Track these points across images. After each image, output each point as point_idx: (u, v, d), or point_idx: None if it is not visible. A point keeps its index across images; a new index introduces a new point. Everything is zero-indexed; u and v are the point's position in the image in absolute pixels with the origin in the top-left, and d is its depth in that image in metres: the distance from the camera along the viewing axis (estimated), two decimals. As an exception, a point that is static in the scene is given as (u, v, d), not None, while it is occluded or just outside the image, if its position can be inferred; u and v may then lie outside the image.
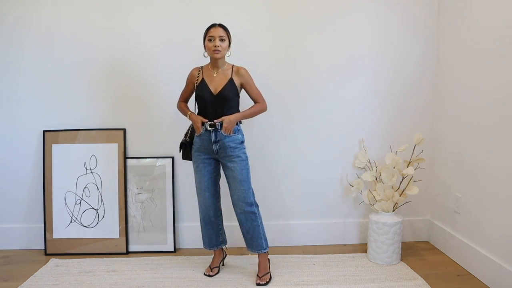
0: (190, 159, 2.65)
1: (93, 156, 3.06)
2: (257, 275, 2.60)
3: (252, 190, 2.57)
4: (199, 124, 2.51)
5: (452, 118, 2.94)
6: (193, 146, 2.61)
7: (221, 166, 2.62)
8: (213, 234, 2.69)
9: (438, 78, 3.11)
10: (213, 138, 2.50)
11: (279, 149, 3.12)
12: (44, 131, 3.05)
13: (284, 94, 3.08)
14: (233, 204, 2.58)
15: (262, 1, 3.02)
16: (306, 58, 3.07)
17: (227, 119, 2.47)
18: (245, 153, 2.56)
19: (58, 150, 3.05)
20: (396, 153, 2.99)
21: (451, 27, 2.93)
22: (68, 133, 3.06)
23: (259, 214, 2.59)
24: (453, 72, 2.92)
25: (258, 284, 2.53)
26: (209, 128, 2.49)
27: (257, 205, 2.59)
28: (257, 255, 2.65)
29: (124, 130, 3.08)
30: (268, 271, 2.61)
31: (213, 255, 2.76)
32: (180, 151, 2.66)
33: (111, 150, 3.06)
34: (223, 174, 2.64)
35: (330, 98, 3.10)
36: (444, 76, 3.04)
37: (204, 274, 2.67)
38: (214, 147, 2.51)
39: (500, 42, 2.42)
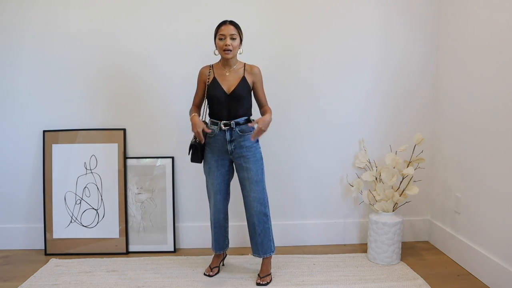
0: (199, 162, 2.56)
1: (93, 156, 3.06)
2: (259, 275, 2.59)
3: (266, 192, 2.55)
4: (199, 130, 2.37)
5: (452, 118, 2.94)
6: (206, 147, 2.53)
7: (234, 167, 2.58)
8: (221, 237, 2.68)
9: (438, 78, 3.11)
10: (228, 137, 2.47)
11: (279, 148, 3.12)
12: (44, 131, 3.04)
13: (284, 93, 3.08)
14: (246, 205, 2.55)
15: (264, 3, 3.02)
16: (307, 58, 3.07)
17: (262, 121, 2.37)
18: (260, 153, 2.53)
19: (58, 150, 3.05)
20: (396, 153, 2.99)
21: (452, 27, 2.93)
22: (68, 133, 3.05)
23: (270, 216, 2.57)
24: (453, 72, 2.92)
25: (258, 284, 2.53)
26: (223, 128, 2.46)
27: (269, 207, 2.57)
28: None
29: (124, 130, 3.08)
30: (270, 272, 2.61)
31: (213, 255, 2.76)
32: (189, 153, 2.56)
33: (111, 150, 3.06)
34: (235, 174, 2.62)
35: (330, 98, 3.10)
36: (444, 76, 3.04)
37: (204, 274, 2.67)
38: (229, 147, 2.48)
39: (500, 43, 2.43)
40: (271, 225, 2.58)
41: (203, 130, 2.41)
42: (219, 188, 2.56)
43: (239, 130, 2.46)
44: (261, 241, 2.56)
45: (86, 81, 3.04)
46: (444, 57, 3.03)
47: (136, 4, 2.99)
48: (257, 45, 3.00)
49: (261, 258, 2.62)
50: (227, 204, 2.66)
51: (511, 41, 2.34)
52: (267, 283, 2.54)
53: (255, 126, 2.42)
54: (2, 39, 2.99)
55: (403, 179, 2.97)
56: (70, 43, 3.00)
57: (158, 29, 3.01)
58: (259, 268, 2.64)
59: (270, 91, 3.00)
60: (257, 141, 2.52)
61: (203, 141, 2.46)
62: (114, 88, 3.05)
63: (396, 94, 3.13)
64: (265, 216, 2.53)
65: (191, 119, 2.44)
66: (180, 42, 3.01)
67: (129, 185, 3.08)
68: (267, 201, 2.55)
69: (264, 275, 2.57)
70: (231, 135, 2.46)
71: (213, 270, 2.68)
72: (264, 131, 2.41)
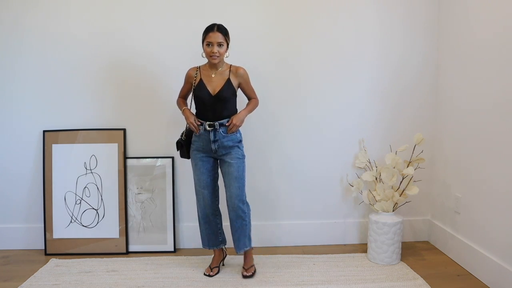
0: (188, 158, 2.68)
1: (93, 156, 3.06)
2: (243, 267, 2.66)
3: (244, 190, 2.60)
4: (191, 120, 2.53)
5: (452, 118, 2.94)
6: (191, 144, 2.63)
7: (219, 164, 2.65)
8: (212, 233, 2.70)
9: (438, 78, 3.11)
10: (212, 137, 2.53)
11: (279, 149, 3.12)
12: (44, 131, 3.04)
13: (284, 94, 3.08)
14: (227, 201, 2.62)
15: (263, 2, 3.02)
16: (307, 58, 3.06)
17: (236, 117, 2.53)
18: (243, 153, 2.61)
19: (58, 150, 3.05)
20: (396, 153, 2.99)
21: (451, 27, 2.93)
22: (68, 133, 3.05)
23: (248, 213, 2.63)
24: (453, 72, 2.92)
25: (244, 276, 2.61)
26: (208, 128, 2.52)
27: (247, 205, 2.63)
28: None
29: (124, 130, 3.08)
30: (253, 264, 2.69)
31: (213, 255, 2.76)
32: (177, 150, 2.69)
33: (111, 150, 3.06)
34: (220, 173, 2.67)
35: (330, 98, 3.10)
36: (444, 76, 3.04)
37: (204, 274, 2.68)
38: (213, 146, 2.54)
39: (500, 43, 2.42)
40: (249, 222, 2.63)
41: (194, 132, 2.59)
42: (205, 184, 2.62)
43: (222, 131, 2.53)
44: (237, 237, 2.62)
45: (86, 81, 3.04)
46: (444, 57, 3.03)
47: (137, 4, 2.99)
48: (256, 45, 3.01)
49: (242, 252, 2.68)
50: (216, 201, 2.70)
51: (511, 41, 2.34)
52: (253, 274, 2.63)
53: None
54: (2, 39, 2.99)
55: (403, 179, 2.97)
56: (70, 43, 3.00)
57: (159, 29, 3.01)
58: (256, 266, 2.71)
59: (270, 91, 3.01)
60: (240, 141, 2.59)
61: (198, 132, 2.55)
62: (114, 88, 3.05)
63: (396, 94, 3.13)
64: (243, 213, 2.59)
65: (183, 112, 2.61)
66: (181, 42, 3.01)
67: (129, 185, 3.08)
68: (245, 198, 2.61)
69: (248, 266, 2.66)
70: (214, 135, 2.53)
71: (213, 270, 2.69)
72: (237, 125, 2.53)
